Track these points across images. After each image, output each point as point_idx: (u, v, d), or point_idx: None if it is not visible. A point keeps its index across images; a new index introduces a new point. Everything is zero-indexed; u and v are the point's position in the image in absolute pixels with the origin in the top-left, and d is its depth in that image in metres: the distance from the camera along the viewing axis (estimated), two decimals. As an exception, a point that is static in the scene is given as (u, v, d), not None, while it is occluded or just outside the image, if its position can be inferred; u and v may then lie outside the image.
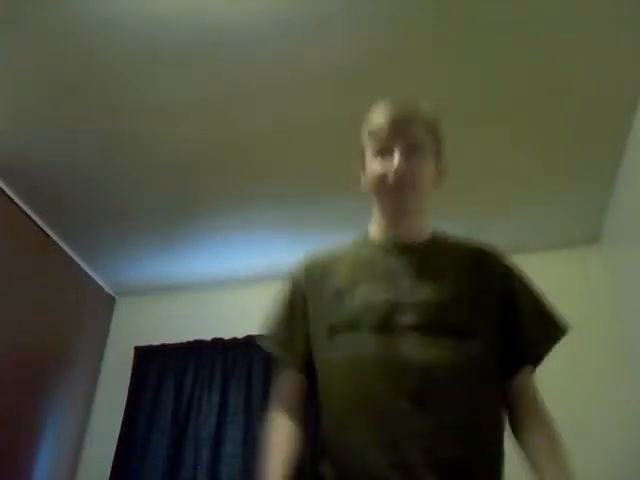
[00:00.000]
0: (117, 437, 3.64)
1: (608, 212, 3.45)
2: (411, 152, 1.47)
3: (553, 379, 3.27)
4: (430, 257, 1.49)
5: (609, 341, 3.35)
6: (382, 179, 1.47)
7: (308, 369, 1.46)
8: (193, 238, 3.73)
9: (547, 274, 3.67)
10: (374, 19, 2.47)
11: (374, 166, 1.50)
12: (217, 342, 3.84)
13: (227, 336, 3.83)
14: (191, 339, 3.89)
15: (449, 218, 3.52)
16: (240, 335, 3.80)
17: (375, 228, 1.57)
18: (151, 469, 3.47)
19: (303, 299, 1.54)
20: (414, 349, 1.31)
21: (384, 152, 1.48)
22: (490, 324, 1.40)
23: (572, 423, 3.16)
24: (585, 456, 3.04)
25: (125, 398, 3.78)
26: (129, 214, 3.53)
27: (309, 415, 1.47)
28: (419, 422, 1.25)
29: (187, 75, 2.69)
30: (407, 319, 1.34)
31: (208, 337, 3.87)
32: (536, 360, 1.50)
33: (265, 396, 3.57)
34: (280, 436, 1.42)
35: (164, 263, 3.97)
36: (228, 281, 4.09)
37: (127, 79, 2.71)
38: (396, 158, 1.45)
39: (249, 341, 3.77)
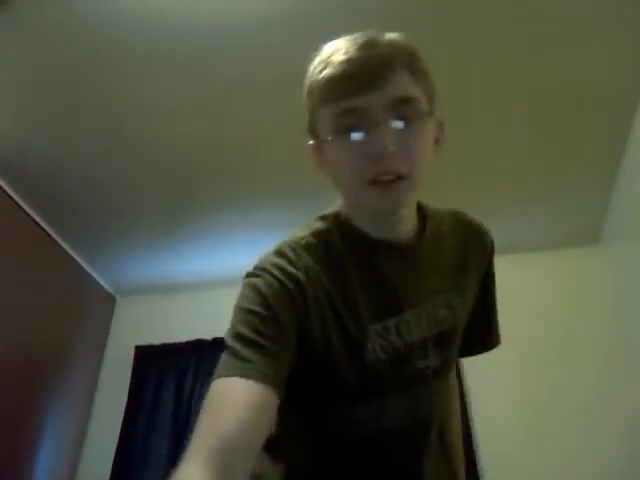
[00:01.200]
0: (117, 437, 3.64)
1: (608, 212, 3.45)
2: (398, 116, 0.96)
3: (554, 379, 3.28)
4: (428, 258, 1.14)
5: (609, 339, 3.35)
6: (361, 171, 0.97)
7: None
8: (193, 237, 3.73)
9: (548, 274, 3.70)
10: (374, 19, 2.45)
11: (341, 149, 0.99)
12: (218, 341, 3.84)
13: (227, 336, 3.83)
14: (191, 338, 3.89)
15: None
16: (240, 335, 3.80)
17: (354, 221, 1.12)
18: (151, 469, 3.48)
19: (301, 317, 1.02)
20: (431, 404, 1.13)
21: (353, 122, 0.97)
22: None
23: (573, 422, 3.18)
24: (587, 455, 3.05)
25: (125, 398, 3.78)
26: (129, 213, 3.52)
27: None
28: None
29: (187, 75, 2.69)
30: (427, 363, 1.09)
31: (208, 336, 3.86)
32: (470, 355, 1.32)
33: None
34: None
35: (164, 262, 3.97)
36: (229, 280, 4.06)
37: (127, 79, 2.70)
38: (379, 130, 0.94)
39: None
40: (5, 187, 3.21)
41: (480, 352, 1.29)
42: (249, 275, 1.05)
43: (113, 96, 2.79)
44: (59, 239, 3.67)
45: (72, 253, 3.80)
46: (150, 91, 2.76)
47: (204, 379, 3.74)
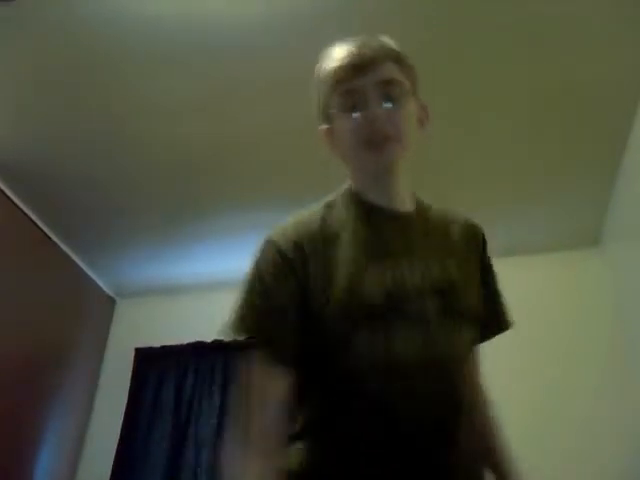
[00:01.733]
0: (117, 439, 3.63)
1: (608, 213, 3.44)
2: (387, 97, 1.21)
3: (554, 381, 3.28)
4: (426, 230, 1.28)
5: (610, 342, 3.34)
6: (359, 135, 1.21)
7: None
8: (193, 239, 3.73)
9: (548, 275, 3.69)
10: (374, 18, 2.46)
11: (345, 123, 1.23)
12: (217, 344, 3.83)
13: (227, 338, 3.82)
14: (191, 341, 3.88)
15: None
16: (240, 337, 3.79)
17: (359, 192, 1.30)
18: (151, 470, 3.47)
19: (299, 277, 1.18)
20: (443, 341, 1.16)
21: (354, 103, 1.21)
22: (480, 313, 1.27)
23: (573, 423, 3.17)
24: (587, 455, 3.05)
25: (125, 400, 3.77)
26: (129, 215, 3.53)
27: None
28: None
29: (187, 75, 2.69)
30: (429, 304, 1.16)
31: (208, 339, 3.86)
32: (483, 341, 1.35)
33: (265, 398, 3.56)
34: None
35: (164, 264, 3.97)
36: (229, 282, 4.05)
37: (127, 79, 2.71)
38: (372, 106, 1.19)
39: (250, 343, 3.76)
40: (4, 188, 3.21)
41: (492, 334, 1.37)
42: None
43: (113, 96, 2.79)
44: (59, 241, 3.67)
45: (72, 255, 3.80)
46: (150, 91, 2.76)
47: (204, 381, 3.74)
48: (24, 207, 3.37)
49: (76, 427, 3.73)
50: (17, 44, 2.54)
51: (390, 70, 1.24)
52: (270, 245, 1.25)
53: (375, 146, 1.20)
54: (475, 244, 1.36)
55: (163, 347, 3.91)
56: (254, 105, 2.82)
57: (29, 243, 3.42)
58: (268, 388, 1.13)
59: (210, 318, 4.05)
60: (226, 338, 1.23)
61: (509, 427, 3.20)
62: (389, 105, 1.21)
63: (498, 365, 3.50)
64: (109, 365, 4.05)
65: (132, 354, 3.95)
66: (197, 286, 4.12)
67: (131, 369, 3.89)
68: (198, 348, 3.84)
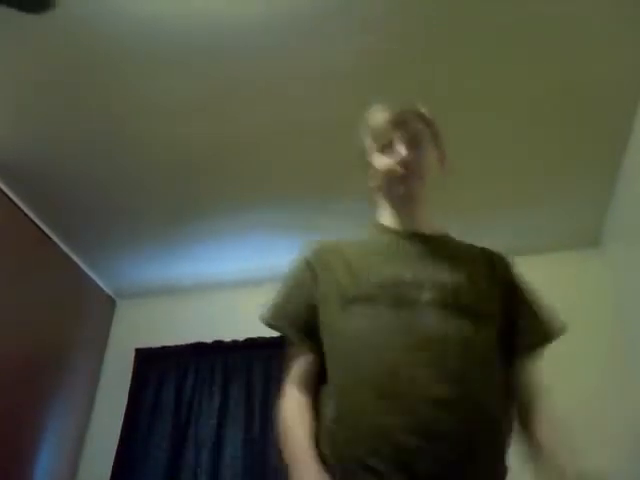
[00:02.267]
0: (118, 439, 3.63)
1: (609, 214, 3.44)
2: (412, 143, 1.57)
3: (554, 380, 3.27)
4: (445, 247, 1.58)
5: (610, 343, 3.34)
6: (390, 170, 1.56)
7: (315, 342, 1.49)
8: (194, 240, 3.73)
9: (548, 276, 3.67)
10: (374, 19, 2.47)
11: (380, 161, 1.59)
12: (218, 344, 3.84)
13: (228, 338, 3.83)
14: (192, 341, 3.88)
15: (449, 219, 3.52)
16: (241, 337, 3.80)
17: (386, 219, 1.64)
18: (152, 471, 3.47)
19: (312, 276, 1.56)
20: (432, 321, 1.34)
21: (387, 147, 1.58)
22: (500, 312, 1.47)
23: (573, 423, 3.16)
24: (586, 455, 3.04)
25: (125, 400, 3.77)
26: (130, 215, 3.53)
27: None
28: (438, 390, 1.25)
29: (187, 75, 2.69)
30: (425, 295, 1.38)
31: (209, 339, 3.87)
32: (531, 351, 1.57)
33: (266, 398, 3.56)
34: (297, 411, 1.40)
35: (165, 265, 3.97)
36: (229, 283, 4.08)
37: (127, 79, 2.71)
38: (402, 149, 1.55)
39: (250, 344, 3.77)
40: (4, 188, 3.21)
41: (538, 344, 1.58)
42: None
43: (113, 96, 2.79)
44: (59, 241, 3.67)
45: (72, 255, 3.80)
46: (150, 91, 2.76)
47: (204, 382, 3.73)
48: (24, 207, 3.37)
49: (76, 427, 3.72)
50: (17, 44, 2.54)
51: (415, 126, 1.61)
52: (300, 256, 1.64)
53: (401, 180, 1.55)
54: (491, 265, 1.59)
55: (163, 347, 3.91)
56: (254, 105, 2.82)
57: (29, 243, 3.42)
58: (295, 356, 1.55)
59: (210, 318, 4.10)
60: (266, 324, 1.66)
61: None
62: (413, 150, 1.55)
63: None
64: (109, 365, 4.05)
65: (132, 354, 3.94)
66: (197, 286, 4.13)
67: (131, 369, 3.89)
68: (198, 348, 3.85)
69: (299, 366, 1.51)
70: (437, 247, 1.55)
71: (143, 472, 3.48)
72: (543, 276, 3.66)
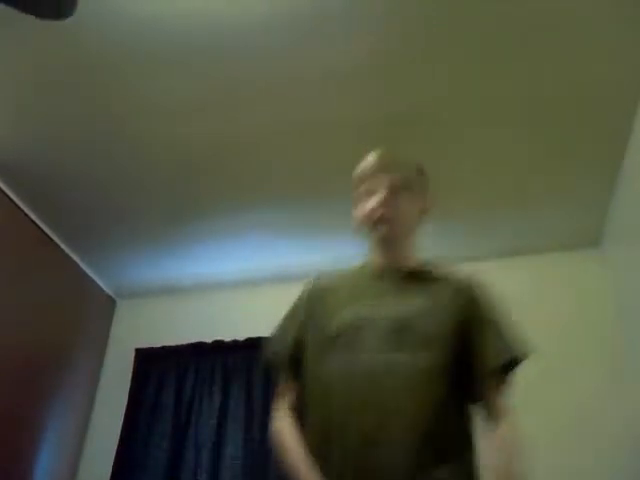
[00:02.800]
0: (117, 439, 3.63)
1: (609, 214, 3.44)
2: (395, 190, 1.69)
3: (554, 381, 3.27)
4: (415, 282, 1.69)
5: (610, 342, 3.34)
6: (369, 214, 1.70)
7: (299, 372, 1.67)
8: (194, 240, 3.73)
9: (548, 276, 3.69)
10: (374, 19, 2.47)
11: (363, 205, 1.73)
12: (218, 344, 3.84)
13: (228, 338, 3.83)
14: (192, 341, 3.88)
15: (449, 219, 3.53)
16: (241, 337, 3.80)
17: (370, 257, 1.78)
18: (152, 471, 3.47)
19: (306, 314, 1.74)
20: (373, 361, 1.50)
21: (371, 192, 1.71)
22: (454, 339, 1.55)
23: (573, 423, 3.16)
24: (586, 455, 3.04)
25: (125, 400, 3.77)
26: (130, 215, 3.53)
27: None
28: (366, 429, 1.43)
29: (187, 75, 2.69)
30: (373, 334, 1.54)
31: (209, 339, 3.86)
32: (489, 376, 1.59)
33: (266, 398, 3.56)
34: (290, 434, 1.60)
35: (165, 265, 3.97)
36: (229, 283, 4.08)
37: (127, 79, 2.71)
38: (379, 195, 1.68)
39: (250, 343, 3.77)
40: (4, 188, 3.22)
41: (505, 365, 1.60)
42: None
43: (113, 96, 2.79)
44: (59, 241, 3.67)
45: (72, 255, 3.80)
46: (150, 91, 2.76)
47: (204, 382, 3.73)
48: (24, 207, 3.37)
49: (76, 427, 3.72)
50: (17, 44, 2.54)
51: (401, 175, 1.72)
52: (301, 293, 1.82)
53: (380, 223, 1.68)
54: (458, 294, 1.65)
55: (163, 347, 3.91)
56: (254, 105, 2.82)
57: (29, 243, 3.42)
58: (281, 385, 1.73)
59: (210, 318, 4.10)
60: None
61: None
62: (394, 196, 1.68)
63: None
64: (109, 365, 4.05)
65: (132, 354, 3.94)
66: (197, 286, 4.13)
67: (131, 369, 3.89)
68: (198, 348, 3.84)
69: (288, 394, 1.71)
70: (407, 283, 1.68)
71: (143, 472, 3.48)
72: (543, 276, 3.69)
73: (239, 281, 4.05)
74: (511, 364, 1.59)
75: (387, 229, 1.68)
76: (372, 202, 1.69)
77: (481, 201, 3.41)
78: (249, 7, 2.42)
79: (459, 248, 3.78)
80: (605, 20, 2.45)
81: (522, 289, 3.68)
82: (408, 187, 1.72)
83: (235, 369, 3.73)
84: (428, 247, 3.87)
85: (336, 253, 3.50)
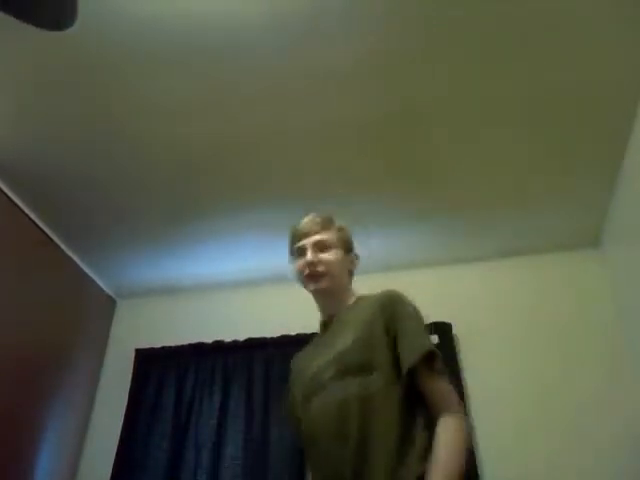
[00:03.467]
0: (118, 439, 3.63)
1: (608, 215, 3.44)
2: (320, 248, 1.97)
3: (554, 380, 3.28)
4: (343, 321, 1.91)
5: (610, 342, 3.34)
6: (301, 271, 1.97)
7: None
8: (194, 240, 3.73)
9: (548, 276, 3.69)
10: (374, 19, 2.47)
11: (295, 264, 2.01)
12: (218, 345, 3.84)
13: (228, 339, 3.83)
14: (192, 342, 3.88)
15: (449, 219, 3.53)
16: (241, 338, 3.80)
17: (319, 311, 2.04)
18: (152, 471, 3.46)
19: (291, 382, 2.03)
20: (332, 395, 1.73)
21: (301, 252, 1.99)
22: (386, 356, 1.73)
23: (573, 423, 3.17)
24: (586, 455, 3.04)
25: (126, 401, 3.77)
26: (130, 215, 3.53)
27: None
28: (341, 448, 1.66)
29: (187, 76, 2.69)
30: (326, 375, 1.77)
31: (209, 339, 3.86)
32: (410, 369, 1.71)
33: (266, 398, 3.56)
34: None
35: (165, 265, 3.97)
36: (229, 283, 4.09)
37: (127, 79, 2.71)
38: (307, 254, 1.95)
39: (250, 344, 3.77)
40: (4, 188, 3.21)
41: (407, 362, 1.73)
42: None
43: (113, 97, 2.79)
44: (59, 241, 3.67)
45: (72, 255, 3.80)
46: (150, 91, 2.76)
47: (204, 382, 3.73)
48: (24, 207, 3.37)
49: (76, 427, 3.72)
50: (17, 44, 2.54)
51: (323, 234, 1.99)
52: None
53: (310, 279, 1.96)
54: (381, 310, 1.82)
55: (163, 348, 3.91)
56: (254, 105, 2.82)
57: (29, 243, 3.42)
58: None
59: (210, 318, 4.11)
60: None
61: (508, 426, 3.24)
62: (319, 254, 1.95)
63: (498, 366, 3.51)
64: (109, 366, 4.05)
65: (132, 355, 3.94)
66: (197, 287, 4.13)
67: (131, 370, 3.89)
68: (198, 349, 3.84)
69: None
70: (342, 323, 1.90)
71: (143, 472, 3.47)
72: (543, 276, 3.70)
73: (239, 281, 4.05)
74: (430, 358, 1.72)
75: (317, 283, 1.94)
76: (302, 261, 1.96)
77: (481, 201, 3.41)
78: (249, 7, 2.42)
79: (459, 248, 3.78)
80: (605, 20, 2.45)
81: (522, 289, 3.68)
82: (332, 244, 1.98)
83: (235, 369, 3.73)
84: (428, 247, 3.89)
85: (336, 253, 3.49)
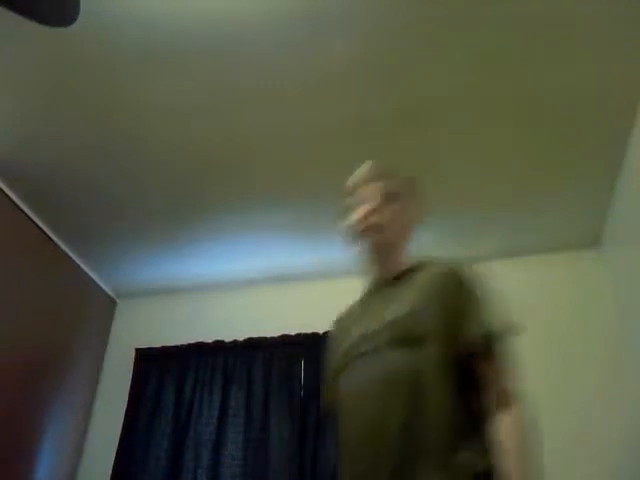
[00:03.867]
0: (118, 439, 3.63)
1: (609, 214, 3.44)
2: (381, 199, 1.76)
3: (554, 381, 3.27)
4: (400, 284, 1.71)
5: (610, 343, 3.34)
6: (354, 227, 1.77)
7: None
8: (194, 240, 3.73)
9: (548, 276, 3.69)
10: (374, 20, 2.47)
11: (348, 217, 1.80)
12: (218, 344, 3.84)
13: (228, 338, 3.83)
14: (192, 341, 3.89)
15: (449, 219, 3.53)
16: (241, 338, 3.80)
17: (367, 270, 1.83)
18: (152, 471, 3.47)
19: (329, 354, 1.83)
20: (375, 369, 1.56)
21: (354, 204, 1.79)
22: (444, 332, 1.53)
23: (572, 424, 3.16)
24: (586, 455, 3.04)
25: (126, 400, 3.77)
26: (130, 216, 3.53)
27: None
28: (378, 437, 1.47)
29: (187, 76, 2.69)
30: (368, 345, 1.60)
31: (209, 339, 3.86)
32: (473, 356, 1.55)
33: (265, 398, 3.56)
34: None
35: (165, 265, 3.97)
36: (229, 283, 4.09)
37: (127, 80, 2.71)
38: (360, 207, 1.76)
39: (250, 343, 3.77)
40: (5, 188, 3.21)
41: (467, 342, 1.54)
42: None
43: (114, 97, 2.79)
44: (59, 241, 3.67)
45: (72, 255, 3.80)
46: (150, 91, 2.76)
47: (204, 382, 3.73)
48: (24, 207, 3.37)
49: (76, 427, 3.73)
50: (17, 44, 2.54)
51: (381, 183, 1.79)
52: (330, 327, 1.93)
53: (363, 232, 1.74)
54: (442, 279, 1.64)
55: (163, 348, 3.91)
56: (254, 105, 2.82)
57: (29, 243, 3.42)
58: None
59: (210, 319, 4.10)
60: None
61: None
62: (377, 205, 1.74)
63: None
64: (109, 365, 4.05)
65: (132, 354, 3.95)
66: (197, 287, 4.13)
67: (131, 369, 3.89)
68: (198, 349, 3.85)
69: None
70: (399, 287, 1.70)
71: (143, 472, 3.48)
72: (543, 276, 3.69)
73: (239, 281, 4.05)
74: (490, 341, 1.54)
75: (375, 237, 1.74)
76: (360, 211, 1.75)
77: (481, 201, 3.41)
78: (249, 8, 2.42)
79: (459, 248, 3.78)
80: (605, 21, 2.45)
81: (522, 289, 3.67)
82: (395, 197, 1.78)
83: (235, 369, 3.73)
84: (428, 247, 3.89)
85: (335, 253, 3.50)
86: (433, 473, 1.38)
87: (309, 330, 3.67)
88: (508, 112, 2.85)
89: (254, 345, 3.77)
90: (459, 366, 1.51)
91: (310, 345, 3.62)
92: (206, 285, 4.12)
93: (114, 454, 3.58)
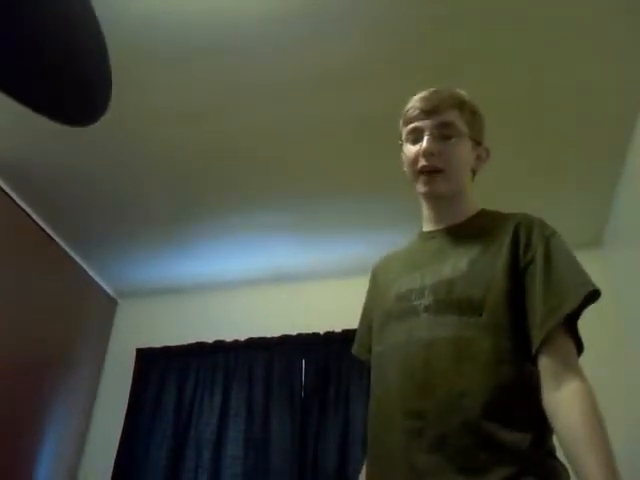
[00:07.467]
0: (118, 439, 3.64)
1: (610, 215, 3.44)
2: (442, 134, 1.48)
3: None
4: (458, 237, 1.50)
5: (610, 343, 3.33)
6: (413, 163, 1.50)
7: None
8: (195, 240, 3.73)
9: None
10: (373, 19, 2.47)
11: (406, 151, 1.53)
12: (219, 344, 3.84)
13: (229, 338, 3.83)
14: (193, 341, 3.89)
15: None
16: (242, 337, 3.80)
17: (424, 219, 1.62)
18: (152, 471, 3.47)
19: (371, 298, 1.67)
20: (421, 331, 1.36)
21: (416, 136, 1.50)
22: (504, 302, 1.34)
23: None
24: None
25: (127, 400, 3.78)
26: (131, 215, 3.53)
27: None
28: (422, 402, 1.30)
29: (187, 76, 2.69)
30: (422, 302, 1.39)
31: (210, 339, 3.87)
32: (540, 332, 1.36)
33: (266, 398, 3.56)
34: None
35: (166, 265, 3.97)
36: (230, 283, 4.09)
37: (128, 80, 2.71)
38: (424, 140, 1.47)
39: (251, 343, 3.77)
40: (5, 188, 3.22)
41: (546, 314, 1.36)
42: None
43: (114, 97, 2.78)
44: (60, 241, 3.67)
45: (73, 255, 3.81)
46: (150, 91, 2.76)
47: (205, 382, 3.74)
48: (25, 207, 3.37)
49: (77, 427, 3.73)
50: (17, 44, 2.54)
51: (449, 116, 1.49)
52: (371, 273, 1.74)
53: (425, 175, 1.48)
54: (514, 238, 1.45)
55: (164, 347, 3.92)
56: (254, 105, 2.83)
57: (30, 243, 3.42)
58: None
59: (211, 318, 4.10)
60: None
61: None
62: (442, 143, 1.47)
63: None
64: (110, 365, 4.06)
65: (133, 354, 3.95)
66: (198, 287, 4.13)
67: (132, 369, 3.90)
68: (199, 348, 3.85)
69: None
70: (457, 241, 1.48)
71: (144, 472, 3.48)
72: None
73: (239, 281, 4.05)
74: (568, 314, 1.39)
75: (433, 185, 1.48)
76: (416, 148, 1.48)
77: (481, 201, 3.40)
78: (249, 8, 2.42)
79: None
80: (606, 23, 2.45)
81: (522, 289, 3.66)
82: (457, 130, 1.49)
83: (236, 369, 3.74)
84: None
85: (336, 253, 3.50)
86: (507, 436, 1.25)
87: (310, 330, 3.67)
88: (508, 113, 2.85)
89: (255, 345, 3.77)
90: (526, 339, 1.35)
91: (311, 345, 3.62)
92: (207, 285, 4.12)
93: (115, 453, 3.59)
